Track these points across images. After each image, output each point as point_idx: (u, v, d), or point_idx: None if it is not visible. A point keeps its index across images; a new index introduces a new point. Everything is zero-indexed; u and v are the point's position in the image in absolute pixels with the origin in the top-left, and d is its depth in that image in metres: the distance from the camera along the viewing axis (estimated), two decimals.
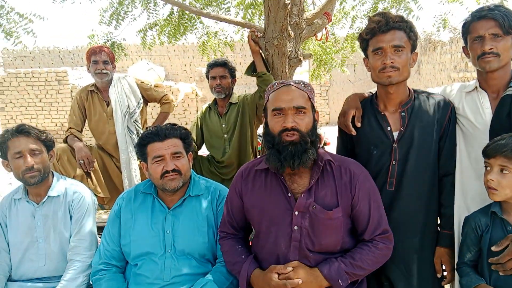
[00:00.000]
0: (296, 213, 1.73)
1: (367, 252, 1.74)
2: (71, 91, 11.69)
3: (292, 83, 1.78)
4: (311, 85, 1.84)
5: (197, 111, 11.88)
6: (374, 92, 2.14)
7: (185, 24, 4.86)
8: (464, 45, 2.01)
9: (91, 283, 2.07)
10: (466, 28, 1.94)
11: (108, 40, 4.85)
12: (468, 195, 1.94)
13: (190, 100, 11.88)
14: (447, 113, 1.97)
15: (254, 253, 1.89)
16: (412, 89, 2.05)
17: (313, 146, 1.73)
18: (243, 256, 1.84)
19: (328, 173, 1.78)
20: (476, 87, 1.96)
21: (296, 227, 1.72)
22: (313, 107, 1.79)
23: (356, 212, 1.77)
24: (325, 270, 1.68)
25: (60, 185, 2.20)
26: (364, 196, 1.77)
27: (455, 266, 1.90)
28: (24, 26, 3.76)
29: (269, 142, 1.75)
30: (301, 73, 12.21)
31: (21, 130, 2.08)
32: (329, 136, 6.17)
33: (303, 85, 1.78)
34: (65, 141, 3.41)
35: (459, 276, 1.83)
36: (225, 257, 1.91)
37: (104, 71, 3.36)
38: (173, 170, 1.94)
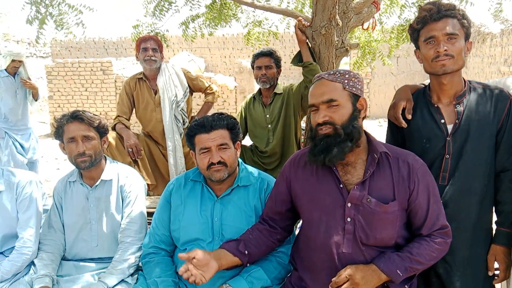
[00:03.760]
0: (349, 205, 1.69)
1: (425, 247, 1.69)
2: (115, 81, 12.04)
3: (325, 76, 1.73)
4: (352, 73, 1.75)
5: (236, 103, 11.95)
6: (427, 84, 2.07)
7: (226, 13, 4.87)
8: None
9: (140, 264, 2.13)
10: None
11: (152, 31, 4.94)
12: None
13: (229, 92, 11.97)
14: (506, 105, 1.87)
15: (297, 247, 1.88)
16: (468, 80, 1.96)
17: (348, 139, 1.67)
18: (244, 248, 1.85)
19: (384, 165, 1.72)
20: None
21: (349, 219, 1.69)
22: (353, 95, 1.71)
23: (414, 206, 1.71)
24: (381, 264, 1.65)
25: (113, 170, 2.27)
26: (423, 190, 1.71)
27: None
28: (74, 18, 3.90)
29: (310, 136, 1.75)
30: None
31: (76, 116, 2.16)
32: (369, 130, 6.05)
33: (338, 75, 1.71)
34: (113, 128, 3.51)
35: None
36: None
37: (153, 58, 3.41)
38: (219, 162, 1.95)
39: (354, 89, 1.71)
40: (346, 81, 1.70)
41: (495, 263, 1.93)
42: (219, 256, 1.79)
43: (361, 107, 1.73)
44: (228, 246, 1.83)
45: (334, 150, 1.65)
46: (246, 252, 1.83)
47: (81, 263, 2.21)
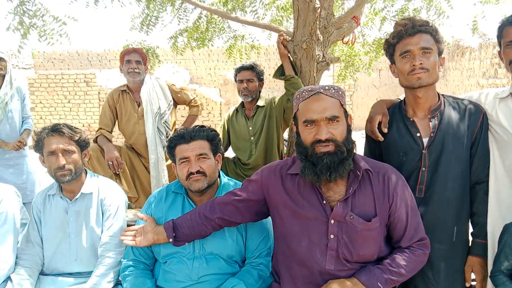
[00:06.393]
0: (332, 221, 1.68)
1: (405, 258, 1.71)
2: (99, 92, 11.97)
3: (322, 91, 1.68)
4: (342, 88, 1.76)
5: (220, 114, 11.98)
6: (402, 99, 2.12)
7: (213, 29, 4.92)
8: (499, 49, 1.98)
9: (120, 279, 2.11)
10: (500, 32, 1.91)
11: (141, 47, 4.95)
12: (503, 204, 1.89)
13: (214, 103, 12.00)
14: (479, 119, 1.93)
15: (277, 259, 1.87)
16: (442, 94, 2.01)
17: (350, 156, 1.67)
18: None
19: (365, 182, 1.72)
20: (510, 93, 1.92)
21: (332, 236, 1.68)
22: (345, 112, 1.72)
23: (393, 220, 1.73)
24: (362, 277, 1.66)
25: (93, 183, 2.25)
26: (401, 203, 1.73)
27: (490, 274, 1.85)
28: (58, 28, 3.88)
29: (302, 153, 1.70)
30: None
31: (56, 130, 2.14)
32: None
33: (333, 91, 1.69)
34: (95, 141, 3.49)
35: (495, 285, 1.79)
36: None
37: (136, 70, 3.42)
38: (198, 172, 1.97)
39: (345, 106, 1.72)
40: (340, 98, 1.69)
41: (472, 274, 1.96)
42: (158, 231, 1.96)
43: (350, 122, 1.73)
44: (167, 226, 1.94)
45: (340, 167, 1.63)
46: (171, 240, 1.92)
47: (60, 278, 2.17)
